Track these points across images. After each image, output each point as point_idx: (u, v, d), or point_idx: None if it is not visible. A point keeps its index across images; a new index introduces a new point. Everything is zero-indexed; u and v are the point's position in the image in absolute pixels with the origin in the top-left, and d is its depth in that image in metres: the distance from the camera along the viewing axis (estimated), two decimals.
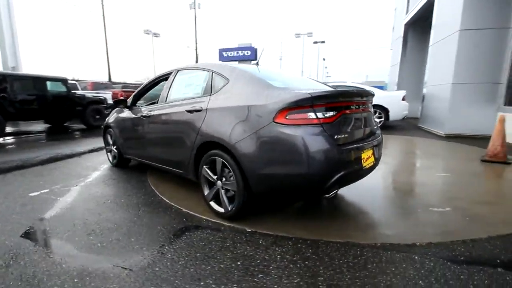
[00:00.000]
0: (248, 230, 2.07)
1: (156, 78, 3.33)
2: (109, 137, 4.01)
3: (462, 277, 1.49)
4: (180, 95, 2.79)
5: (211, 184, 2.34)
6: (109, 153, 4.13)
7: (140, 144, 3.24)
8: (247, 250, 1.79)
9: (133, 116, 3.38)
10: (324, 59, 37.60)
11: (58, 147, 5.55)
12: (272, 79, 2.24)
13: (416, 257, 1.68)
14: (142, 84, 3.56)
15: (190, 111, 2.45)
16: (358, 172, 2.04)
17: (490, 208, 2.43)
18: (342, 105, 1.95)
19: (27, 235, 2.01)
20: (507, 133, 4.69)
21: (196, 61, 29.37)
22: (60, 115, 8.31)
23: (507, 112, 5.44)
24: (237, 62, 37.31)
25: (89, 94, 9.36)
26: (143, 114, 3.07)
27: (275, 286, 1.44)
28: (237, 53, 38.49)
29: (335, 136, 1.84)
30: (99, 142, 5.96)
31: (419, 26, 10.14)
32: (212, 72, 2.46)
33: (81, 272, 1.57)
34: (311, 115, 1.82)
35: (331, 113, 1.87)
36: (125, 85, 17.86)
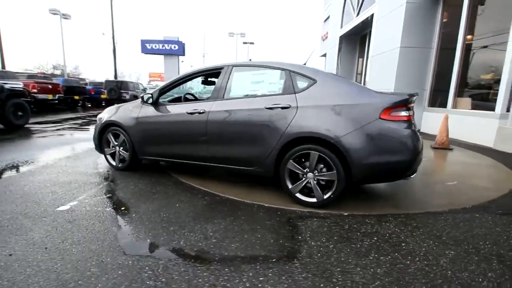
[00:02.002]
0: (345, 214, 2.34)
1: (191, 74, 3.13)
2: (111, 138, 3.46)
3: None
4: (246, 92, 2.76)
5: (296, 178, 2.49)
6: (109, 156, 3.57)
7: (178, 142, 3.00)
8: (368, 229, 2.07)
9: (166, 112, 3.08)
10: (250, 60, 38.83)
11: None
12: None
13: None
14: (171, 79, 3.24)
15: (271, 108, 2.51)
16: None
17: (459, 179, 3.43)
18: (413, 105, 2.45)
19: None
20: (432, 126, 6.31)
21: (114, 50, 26.07)
22: None
23: (429, 112, 7.27)
24: (163, 56, 34.64)
25: (8, 84, 7.29)
26: (193, 111, 2.85)
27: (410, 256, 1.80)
28: (163, 46, 36.08)
29: (416, 129, 2.33)
30: (46, 144, 4.93)
31: (351, 39, 12.06)
32: (290, 72, 2.58)
33: None
34: (405, 112, 2.24)
35: (411, 111, 2.34)
36: (31, 75, 14.42)
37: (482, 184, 3.25)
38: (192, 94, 3.83)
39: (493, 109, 5.28)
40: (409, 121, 2.25)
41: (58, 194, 2.65)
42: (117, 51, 24.28)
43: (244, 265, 1.62)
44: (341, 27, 12.00)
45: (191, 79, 3.18)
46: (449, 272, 1.57)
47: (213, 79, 3.77)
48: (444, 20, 6.89)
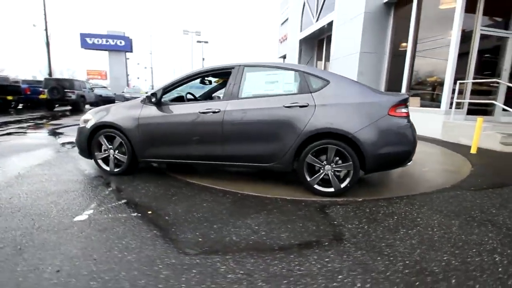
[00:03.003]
0: (359, 200, 2.63)
1: (198, 73, 3.11)
2: (104, 141, 3.21)
3: None
4: (260, 91, 2.85)
5: (313, 170, 2.70)
6: (100, 161, 3.29)
7: (189, 143, 2.95)
8: (386, 211, 2.38)
9: (173, 112, 2.99)
10: (203, 59, 38.33)
11: None
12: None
13: None
14: (176, 78, 3.13)
15: (289, 107, 2.66)
16: None
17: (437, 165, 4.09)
18: None
19: None
20: None
21: (47, 44, 23.05)
22: None
23: None
24: (107, 52, 31.86)
25: None
26: (207, 110, 2.83)
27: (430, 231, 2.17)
28: (107, 41, 33.18)
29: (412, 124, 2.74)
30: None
31: (310, 43, 12.88)
32: (304, 73, 2.77)
33: None
34: (405, 109, 2.62)
35: (408, 108, 2.74)
36: None
37: (447, 168, 3.92)
38: (192, 94, 3.76)
39: (438, 106, 6.32)
40: (408, 117, 2.64)
41: (61, 204, 2.38)
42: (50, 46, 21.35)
43: (304, 250, 1.75)
44: (301, 30, 12.73)
45: (197, 78, 3.15)
46: (463, 236, 1.95)
47: (210, 79, 3.78)
48: (394, 29, 7.91)
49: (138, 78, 68.26)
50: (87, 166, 3.63)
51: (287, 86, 2.80)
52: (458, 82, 5.98)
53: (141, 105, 3.13)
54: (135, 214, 2.22)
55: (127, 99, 21.11)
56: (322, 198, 2.65)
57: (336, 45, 9.40)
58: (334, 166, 2.63)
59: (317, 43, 12.72)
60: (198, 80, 3.45)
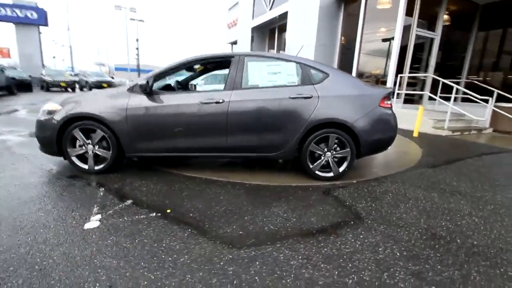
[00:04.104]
0: (354, 181, 2.95)
1: (194, 60, 2.92)
2: (80, 135, 2.78)
3: None
4: (263, 82, 2.85)
5: (315, 157, 2.89)
6: (75, 158, 2.86)
7: (188, 135, 2.80)
8: (380, 189, 2.74)
9: (168, 102, 2.76)
10: (137, 40, 34.93)
11: None
12: None
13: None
14: (169, 64, 2.85)
15: (294, 98, 2.76)
16: None
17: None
18: None
19: None
20: None
21: None
22: None
23: None
24: (12, 25, 26.60)
25: None
26: (209, 101, 2.70)
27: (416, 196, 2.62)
28: (13, 12, 27.26)
29: None
30: None
31: (262, 31, 12.99)
32: (305, 65, 2.88)
33: None
34: (390, 101, 3.00)
35: (391, 100, 3.13)
36: None
37: (403, 150, 4.63)
38: (179, 82, 3.48)
39: None
40: (392, 108, 3.04)
41: (53, 212, 2.03)
42: None
43: (339, 230, 1.94)
44: (253, 18, 12.70)
45: (193, 65, 2.95)
46: (445, 205, 2.43)
47: (192, 68, 3.58)
48: (344, 25, 8.63)
49: (54, 57, 58.08)
50: (50, 164, 3.10)
51: (290, 78, 2.87)
52: (399, 75, 6.98)
53: (128, 94, 2.79)
54: (154, 214, 2.05)
55: (48, 83, 17.82)
56: (323, 182, 2.88)
57: (291, 35, 9.75)
58: (334, 153, 2.87)
59: (269, 31, 12.93)
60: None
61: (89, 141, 2.82)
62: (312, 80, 2.86)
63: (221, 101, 2.73)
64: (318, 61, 3.22)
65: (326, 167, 2.92)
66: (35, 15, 26.81)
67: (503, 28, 8.14)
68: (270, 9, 11.21)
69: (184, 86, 3.79)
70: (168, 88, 3.38)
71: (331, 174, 2.92)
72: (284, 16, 10.43)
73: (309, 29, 8.57)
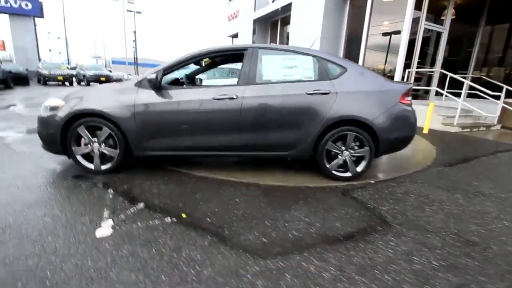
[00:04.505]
0: (372, 182, 2.84)
1: (205, 54, 2.75)
2: (86, 133, 2.63)
3: None
4: (279, 77, 2.70)
5: (331, 156, 2.77)
6: (80, 157, 2.71)
7: (201, 133, 2.66)
8: (400, 190, 2.63)
9: (179, 98, 2.61)
10: (135, 32, 34.34)
11: None
12: None
13: None
14: (177, 58, 2.68)
15: (311, 94, 2.61)
16: None
17: None
18: None
19: None
20: None
21: None
22: None
23: None
24: (7, 16, 26.06)
25: None
26: (222, 96, 2.56)
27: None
28: (7, 2, 26.39)
29: None
30: None
31: (264, 23, 12.71)
32: (322, 59, 2.72)
33: None
34: (410, 98, 2.86)
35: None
36: None
37: (416, 147, 4.50)
38: (188, 76, 3.31)
39: None
40: (411, 105, 2.90)
41: (60, 217, 1.89)
42: None
43: (367, 237, 1.82)
44: (255, 10, 12.41)
45: (204, 59, 2.79)
46: (471, 207, 2.32)
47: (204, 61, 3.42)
48: (350, 17, 8.42)
49: (50, 50, 57.04)
50: (53, 163, 2.95)
51: (307, 72, 2.72)
52: (407, 70, 6.83)
53: (136, 88, 2.64)
54: (169, 219, 1.92)
55: (45, 77, 17.41)
56: (340, 183, 2.76)
57: (295, 28, 9.53)
58: (352, 152, 2.75)
59: (271, 24, 12.66)
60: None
61: (95, 139, 2.67)
62: (330, 75, 2.71)
63: (235, 96, 2.59)
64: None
65: (343, 166, 2.80)
66: (30, 6, 26.05)
67: (510, 22, 7.99)
68: (273, 1, 10.94)
69: (191, 80, 3.63)
70: (176, 82, 3.22)
71: (349, 174, 2.80)
72: (287, 8, 10.17)
73: (314, 21, 8.36)
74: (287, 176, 2.90)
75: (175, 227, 1.83)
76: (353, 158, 2.79)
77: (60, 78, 16.48)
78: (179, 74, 3.63)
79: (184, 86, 3.11)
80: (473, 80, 7.82)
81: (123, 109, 2.59)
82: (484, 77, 7.74)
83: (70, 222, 1.84)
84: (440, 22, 7.24)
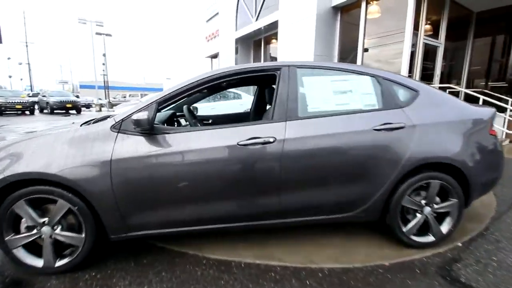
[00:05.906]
0: (459, 244, 2.02)
1: (219, 77, 1.86)
2: (28, 211, 1.60)
3: None
4: (329, 106, 1.86)
5: (405, 216, 1.95)
6: (21, 249, 1.65)
7: (221, 197, 1.73)
8: (505, 257, 1.85)
9: (183, 147, 1.67)
10: (104, 55, 32.92)
11: None
12: None
13: None
14: (175, 86, 1.77)
15: (379, 129, 1.80)
16: None
17: None
18: None
19: None
20: None
21: None
22: None
23: None
24: None
25: None
26: (252, 142, 1.67)
27: None
28: None
29: None
30: None
31: (246, 43, 12.19)
32: (383, 79, 1.95)
33: None
34: (493, 126, 2.16)
35: None
36: None
37: None
38: (189, 110, 2.36)
39: None
40: (497, 135, 2.18)
41: None
42: None
43: None
44: (236, 29, 11.88)
45: (211, 84, 1.89)
46: None
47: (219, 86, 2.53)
48: (342, 34, 8.06)
49: (10, 76, 52.87)
50: None
51: (367, 98, 1.92)
52: None
53: (113, 134, 1.66)
54: None
55: (0, 107, 15.37)
56: (421, 252, 1.92)
57: (283, 46, 9.01)
58: (435, 207, 1.94)
59: (253, 43, 12.17)
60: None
61: (45, 219, 1.63)
62: (399, 101, 1.93)
63: (271, 140, 1.70)
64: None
65: (421, 228, 1.98)
66: None
67: (496, 35, 8.08)
68: (257, 19, 10.47)
69: (192, 114, 2.68)
70: (171, 119, 2.29)
71: (431, 238, 1.96)
72: (272, 26, 9.71)
73: (305, 38, 7.86)
74: (345, 248, 2.00)
75: None
76: (435, 215, 1.98)
77: (19, 106, 14.60)
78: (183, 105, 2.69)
79: (187, 125, 2.17)
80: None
81: (92, 169, 1.59)
82: (487, 91, 7.60)
83: None
84: (436, 37, 7.04)
